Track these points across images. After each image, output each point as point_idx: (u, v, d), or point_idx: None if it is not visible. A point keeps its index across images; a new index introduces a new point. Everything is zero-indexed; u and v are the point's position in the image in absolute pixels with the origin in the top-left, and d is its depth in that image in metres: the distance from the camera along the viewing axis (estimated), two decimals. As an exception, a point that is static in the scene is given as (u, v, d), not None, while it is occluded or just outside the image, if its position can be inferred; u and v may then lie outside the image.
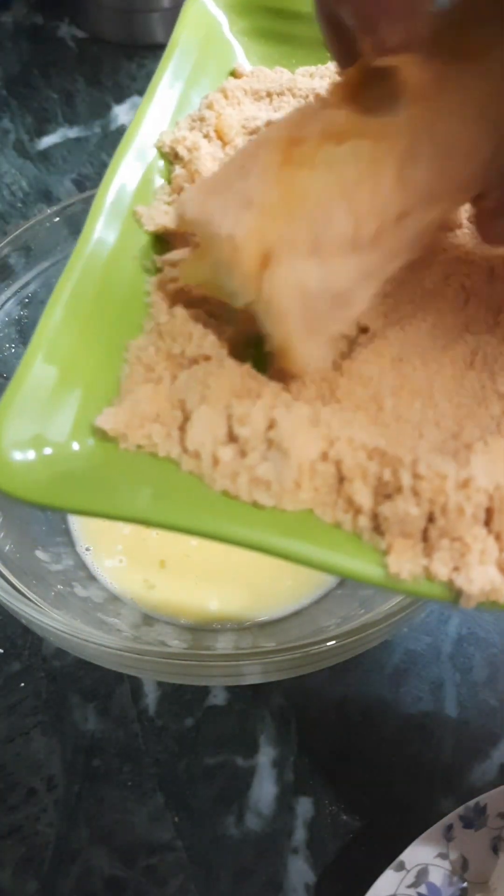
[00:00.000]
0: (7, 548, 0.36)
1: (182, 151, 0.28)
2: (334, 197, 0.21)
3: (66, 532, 0.41)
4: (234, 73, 0.32)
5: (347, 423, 0.22)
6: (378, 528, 0.21)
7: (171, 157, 0.29)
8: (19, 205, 0.56)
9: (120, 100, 0.62)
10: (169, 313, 0.24)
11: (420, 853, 0.32)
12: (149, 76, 0.63)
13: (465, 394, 0.24)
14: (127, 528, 0.40)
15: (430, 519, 0.21)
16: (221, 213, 0.20)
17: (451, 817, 0.33)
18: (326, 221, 0.21)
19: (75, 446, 0.22)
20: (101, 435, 0.22)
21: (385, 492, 0.21)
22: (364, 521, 0.21)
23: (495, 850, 0.32)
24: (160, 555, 0.39)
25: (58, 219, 0.40)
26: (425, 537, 0.21)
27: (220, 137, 0.29)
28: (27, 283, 0.40)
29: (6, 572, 0.34)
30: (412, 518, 0.20)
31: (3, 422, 0.21)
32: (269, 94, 0.31)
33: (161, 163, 0.29)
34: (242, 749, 0.37)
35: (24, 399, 0.22)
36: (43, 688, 0.38)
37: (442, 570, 0.20)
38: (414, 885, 0.31)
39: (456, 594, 0.20)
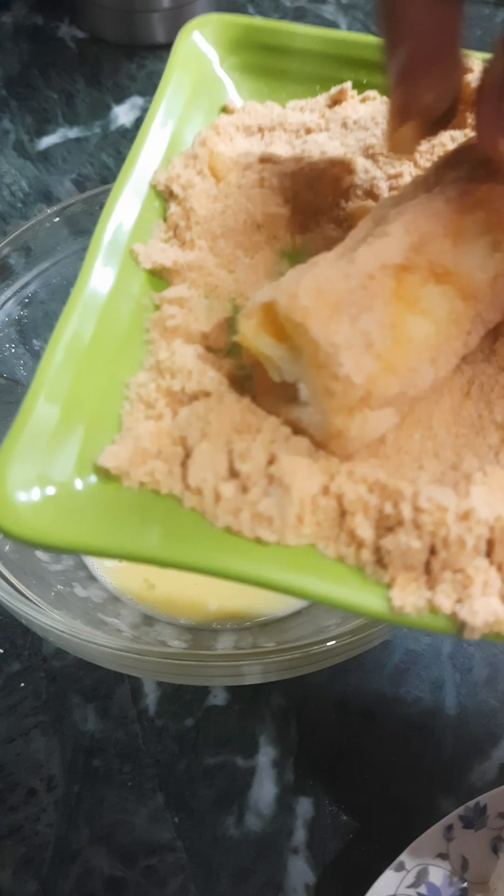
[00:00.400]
0: (7, 548, 0.36)
1: (177, 189, 0.28)
2: (425, 360, 0.22)
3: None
4: (225, 109, 0.32)
5: (347, 457, 0.23)
6: (381, 561, 0.21)
7: (165, 195, 0.29)
8: (19, 205, 0.56)
9: (120, 100, 0.62)
10: (168, 350, 0.25)
11: (420, 853, 0.32)
12: (149, 76, 0.63)
13: (463, 424, 0.24)
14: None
15: (433, 551, 0.21)
16: (346, 349, 0.21)
17: (451, 817, 0.33)
18: (415, 380, 0.22)
19: (79, 485, 0.22)
20: (103, 473, 0.22)
21: (387, 525, 0.21)
22: (367, 555, 0.21)
23: (495, 850, 0.32)
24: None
25: (58, 219, 0.40)
26: (428, 570, 0.21)
27: (213, 174, 0.29)
28: (27, 283, 0.40)
29: (6, 572, 0.34)
30: (414, 551, 0.20)
31: (6, 464, 0.21)
32: (260, 129, 0.32)
33: (156, 201, 0.29)
34: (242, 749, 0.37)
35: (28, 440, 0.22)
36: (43, 688, 0.38)
37: (445, 602, 0.20)
38: (414, 885, 0.31)
39: (460, 626, 0.20)
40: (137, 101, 0.62)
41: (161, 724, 0.37)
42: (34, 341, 0.42)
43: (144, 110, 0.61)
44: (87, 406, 0.23)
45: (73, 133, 0.60)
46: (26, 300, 0.41)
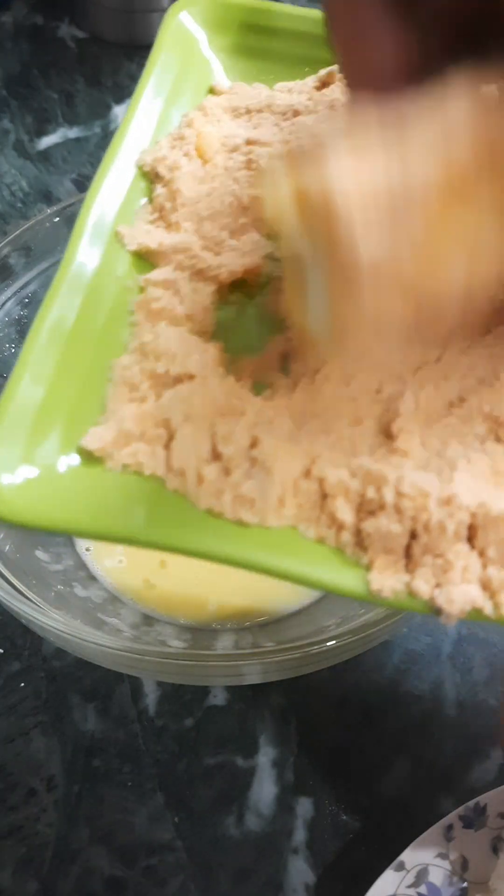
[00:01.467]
0: (7, 548, 0.36)
1: (163, 171, 0.28)
2: (453, 272, 0.20)
3: (66, 532, 0.41)
4: (212, 90, 0.32)
5: (330, 441, 0.23)
6: (361, 543, 0.21)
7: (152, 176, 0.29)
8: (19, 205, 0.56)
9: (120, 100, 0.62)
10: (153, 332, 0.25)
11: (420, 853, 0.32)
12: (149, 76, 0.63)
13: (451, 413, 0.24)
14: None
15: (413, 536, 0.21)
16: (364, 229, 0.19)
17: (451, 817, 0.33)
18: (433, 289, 0.20)
19: (62, 467, 0.22)
20: (87, 455, 0.22)
21: (368, 508, 0.21)
22: (347, 537, 0.21)
23: (495, 850, 0.32)
24: (160, 555, 0.39)
25: (58, 219, 0.40)
26: (408, 554, 0.21)
27: (200, 156, 0.29)
28: (27, 283, 0.40)
29: (6, 572, 0.34)
30: (394, 535, 0.21)
31: None
32: (248, 111, 0.31)
33: (142, 182, 0.29)
34: (242, 749, 0.37)
35: (11, 421, 0.22)
36: (43, 688, 0.38)
37: (423, 587, 0.20)
38: (414, 885, 0.31)
39: (437, 611, 0.20)
40: (137, 101, 0.62)
41: (161, 723, 0.37)
42: (34, 341, 0.42)
43: (144, 110, 0.61)
44: (71, 388, 0.23)
45: (73, 133, 0.60)
46: (26, 300, 0.41)
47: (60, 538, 0.40)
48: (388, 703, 0.38)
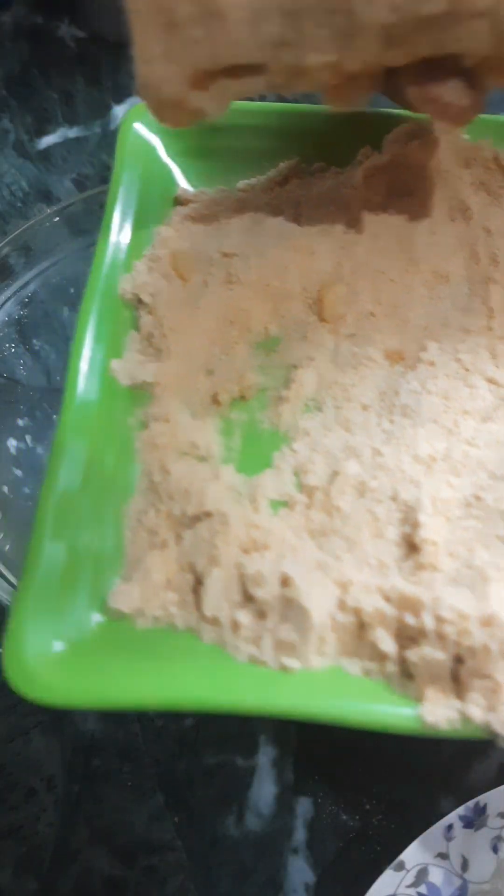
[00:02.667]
0: (7, 548, 0.36)
1: (146, 297, 0.28)
2: None
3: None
4: (178, 200, 0.32)
5: (356, 559, 0.22)
6: (407, 672, 0.21)
7: (135, 303, 0.29)
8: (19, 205, 0.56)
9: (120, 100, 0.62)
10: (161, 470, 0.25)
11: (420, 853, 0.32)
12: (149, 76, 0.63)
13: (470, 515, 0.23)
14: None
15: (458, 660, 0.20)
16: None
17: (451, 817, 0.33)
18: None
19: (93, 635, 0.22)
20: (116, 615, 0.22)
21: (408, 634, 0.21)
22: (391, 667, 0.21)
23: (495, 850, 0.32)
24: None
25: (57, 219, 0.40)
26: (455, 677, 0.21)
27: (178, 276, 0.29)
28: (27, 283, 0.40)
29: (6, 572, 0.34)
30: (440, 662, 0.20)
31: (21, 626, 0.21)
32: (216, 218, 0.31)
33: (126, 311, 0.29)
34: (242, 749, 0.37)
35: (37, 592, 0.22)
36: (43, 688, 0.38)
37: (476, 711, 0.20)
38: (414, 884, 0.31)
39: (493, 734, 0.20)
40: (137, 100, 0.62)
41: (161, 723, 0.37)
42: (34, 341, 0.42)
43: (144, 110, 0.61)
44: (90, 541, 0.23)
45: (73, 133, 0.60)
46: (26, 300, 0.41)
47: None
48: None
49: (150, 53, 0.23)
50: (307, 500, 0.24)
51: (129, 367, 0.27)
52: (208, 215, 0.31)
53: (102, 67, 0.64)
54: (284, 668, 0.21)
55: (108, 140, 0.60)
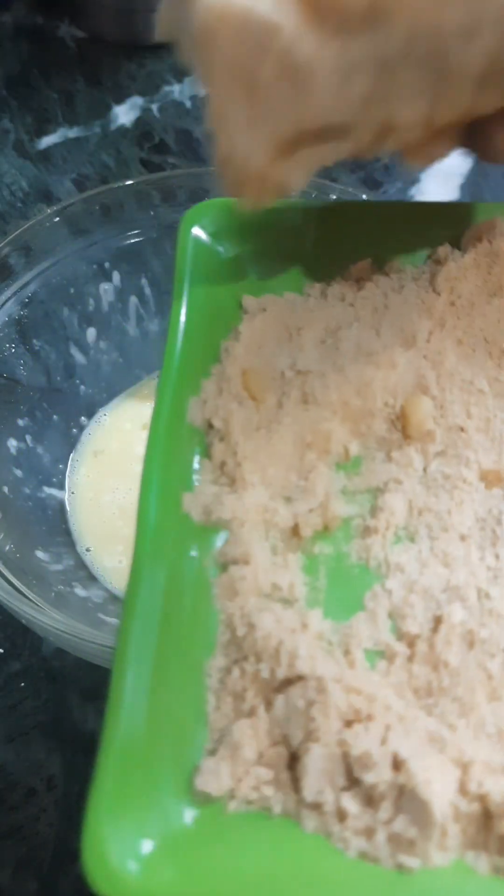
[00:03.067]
0: (7, 548, 0.36)
1: (217, 423, 0.26)
2: None
3: (67, 532, 0.41)
4: (243, 307, 0.29)
5: (472, 727, 0.20)
6: None
7: (205, 429, 0.26)
8: (19, 205, 0.56)
9: (120, 100, 0.62)
10: (244, 622, 0.22)
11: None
12: (149, 76, 0.63)
13: None
14: (127, 529, 0.40)
15: None
16: None
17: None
18: None
19: (181, 828, 0.19)
20: (204, 798, 0.19)
21: None
22: None
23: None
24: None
25: (58, 219, 0.40)
26: None
27: (251, 396, 0.27)
28: (27, 283, 0.40)
29: (6, 572, 0.34)
30: None
31: (102, 823, 0.18)
32: (287, 330, 0.29)
33: (196, 435, 0.26)
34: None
35: (117, 775, 0.19)
36: (43, 688, 0.38)
37: None
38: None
39: None
40: (137, 100, 0.62)
41: (161, 724, 0.37)
42: (34, 341, 0.42)
43: (145, 110, 0.61)
44: (171, 703, 0.21)
45: (73, 133, 0.60)
46: (26, 300, 0.41)
47: (61, 537, 0.40)
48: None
49: (231, 122, 0.21)
50: (408, 651, 0.22)
51: (203, 500, 0.24)
52: (278, 326, 0.29)
53: (102, 67, 0.64)
54: (401, 868, 0.18)
55: (108, 140, 0.60)
